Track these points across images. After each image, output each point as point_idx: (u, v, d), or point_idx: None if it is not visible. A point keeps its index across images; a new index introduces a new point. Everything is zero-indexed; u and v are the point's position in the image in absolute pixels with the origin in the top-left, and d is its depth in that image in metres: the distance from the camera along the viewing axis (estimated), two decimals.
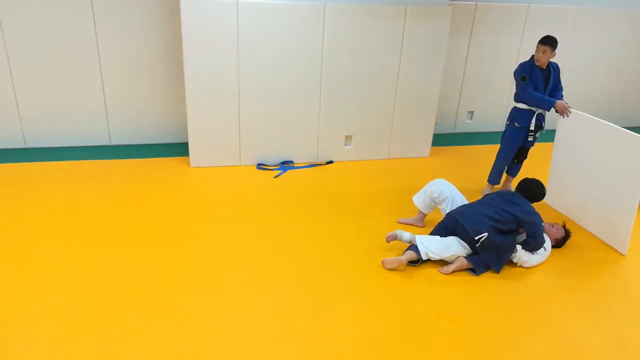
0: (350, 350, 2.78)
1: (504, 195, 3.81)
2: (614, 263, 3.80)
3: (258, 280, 3.35)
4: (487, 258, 3.53)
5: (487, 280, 3.48)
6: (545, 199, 4.61)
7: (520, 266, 3.63)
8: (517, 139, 4.56)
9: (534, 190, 3.81)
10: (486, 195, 3.96)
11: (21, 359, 2.60)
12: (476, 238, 3.46)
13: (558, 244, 3.90)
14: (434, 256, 3.51)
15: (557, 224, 3.98)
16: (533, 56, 4.37)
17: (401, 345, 2.84)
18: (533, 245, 3.61)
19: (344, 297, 3.21)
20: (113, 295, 3.10)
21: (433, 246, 3.51)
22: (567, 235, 3.92)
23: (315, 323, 2.97)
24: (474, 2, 5.98)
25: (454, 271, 3.51)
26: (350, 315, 3.06)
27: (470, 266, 3.52)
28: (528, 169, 4.99)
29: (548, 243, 3.78)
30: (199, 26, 4.57)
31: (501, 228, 3.52)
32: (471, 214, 3.59)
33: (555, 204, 4.55)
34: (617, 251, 3.93)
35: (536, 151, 4.86)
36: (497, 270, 3.55)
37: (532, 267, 3.65)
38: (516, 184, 3.92)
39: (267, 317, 3.00)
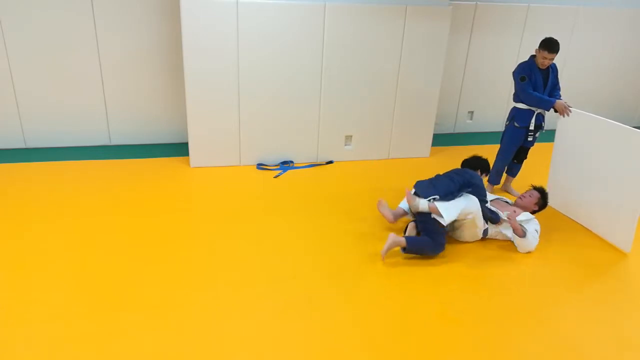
0: (350, 351, 2.78)
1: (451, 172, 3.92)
2: (617, 261, 3.80)
3: (258, 279, 3.35)
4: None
5: (488, 279, 3.48)
6: None
7: (522, 251, 3.80)
8: (517, 139, 4.56)
9: (482, 163, 4.09)
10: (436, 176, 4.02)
11: (21, 359, 2.60)
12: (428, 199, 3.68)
13: (540, 205, 4.10)
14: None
15: (528, 191, 4.15)
16: (532, 56, 4.37)
17: (401, 345, 2.84)
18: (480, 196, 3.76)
19: (343, 297, 3.21)
20: (113, 295, 3.10)
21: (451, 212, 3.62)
22: (543, 194, 4.10)
23: (315, 323, 2.97)
24: (474, 2, 5.99)
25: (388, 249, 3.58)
26: (350, 315, 3.05)
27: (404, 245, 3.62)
28: (528, 169, 4.99)
29: (538, 225, 3.91)
30: (199, 26, 4.57)
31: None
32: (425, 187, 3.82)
33: (555, 204, 4.54)
34: (620, 249, 3.93)
35: (536, 151, 4.86)
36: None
37: (532, 250, 3.81)
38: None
39: (267, 317, 3.00)
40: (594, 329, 3.06)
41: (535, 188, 4.16)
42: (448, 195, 3.66)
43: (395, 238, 3.58)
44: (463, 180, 3.74)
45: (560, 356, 2.82)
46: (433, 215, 3.62)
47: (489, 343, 2.89)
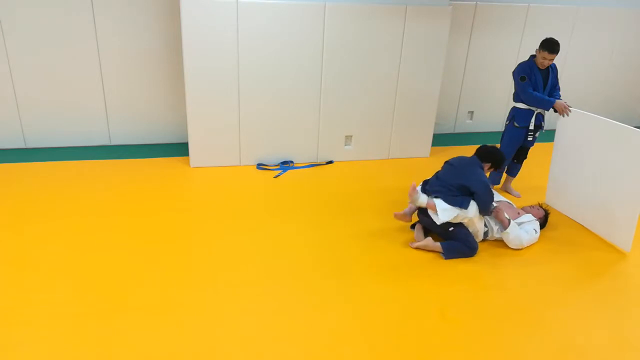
0: (350, 351, 2.78)
1: (457, 167, 3.83)
2: (617, 261, 3.80)
3: (258, 279, 3.35)
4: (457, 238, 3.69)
5: (488, 279, 3.48)
6: (546, 199, 4.62)
7: (511, 246, 3.81)
8: (517, 139, 4.56)
9: (494, 157, 3.87)
10: (443, 166, 3.97)
11: (21, 359, 2.60)
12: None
13: (541, 223, 4.08)
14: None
15: (535, 205, 4.23)
16: (532, 56, 4.37)
17: (401, 345, 2.84)
18: (482, 206, 3.69)
19: (343, 297, 3.21)
20: (113, 295, 3.10)
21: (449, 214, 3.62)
22: (546, 213, 4.17)
23: (315, 322, 2.97)
24: (474, 2, 5.99)
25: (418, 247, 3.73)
26: (350, 314, 3.05)
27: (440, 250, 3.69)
28: (528, 169, 4.99)
29: (537, 225, 3.97)
30: (199, 26, 4.57)
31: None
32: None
33: (555, 204, 4.55)
34: (620, 249, 3.93)
35: (536, 151, 4.86)
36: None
37: (523, 248, 3.82)
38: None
39: (267, 317, 3.00)
40: (594, 329, 3.06)
41: (542, 207, 4.21)
42: (450, 193, 3.66)
43: (429, 242, 3.68)
44: (462, 184, 3.67)
45: (560, 356, 2.82)
46: (429, 212, 3.66)
47: (488, 343, 2.89)
